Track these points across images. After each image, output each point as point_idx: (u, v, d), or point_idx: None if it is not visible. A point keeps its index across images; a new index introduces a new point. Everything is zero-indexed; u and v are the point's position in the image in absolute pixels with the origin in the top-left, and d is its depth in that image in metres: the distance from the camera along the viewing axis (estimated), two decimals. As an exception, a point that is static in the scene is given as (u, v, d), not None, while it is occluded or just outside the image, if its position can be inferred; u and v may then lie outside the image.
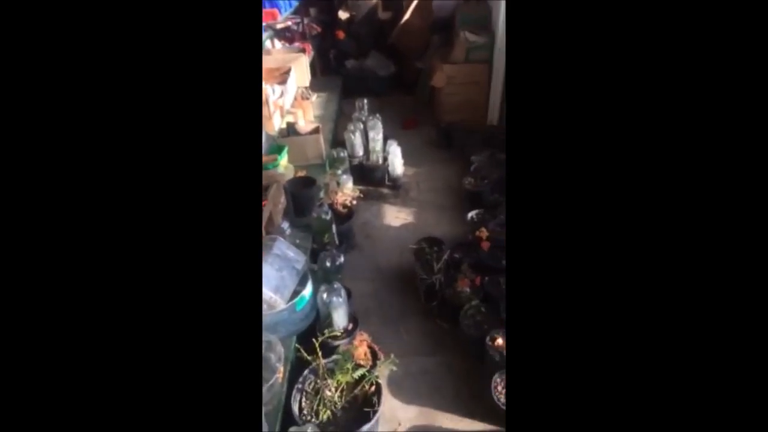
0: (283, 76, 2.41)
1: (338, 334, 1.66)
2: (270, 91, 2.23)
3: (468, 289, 1.90)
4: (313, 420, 1.41)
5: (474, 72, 3.20)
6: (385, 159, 2.84)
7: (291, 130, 2.50)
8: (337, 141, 3.05)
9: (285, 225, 2.01)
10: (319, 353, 1.42)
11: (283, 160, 2.20)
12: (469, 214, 2.35)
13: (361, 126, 2.85)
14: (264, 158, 1.91)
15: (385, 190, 2.84)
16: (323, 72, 3.97)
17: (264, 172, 1.89)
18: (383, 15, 4.39)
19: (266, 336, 1.52)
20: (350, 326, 1.74)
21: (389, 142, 2.85)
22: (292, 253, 1.62)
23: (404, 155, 2.88)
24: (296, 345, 1.48)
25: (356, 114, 2.95)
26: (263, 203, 1.69)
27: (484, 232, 2.03)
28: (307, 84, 2.89)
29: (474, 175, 2.66)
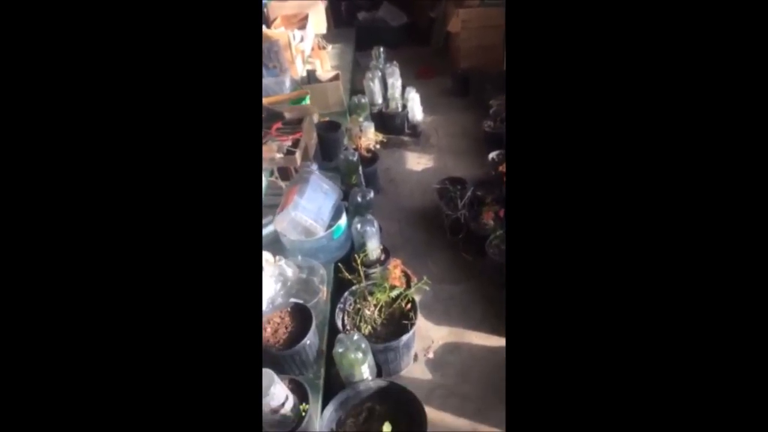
0: (301, 22, 2.41)
1: (376, 258, 1.78)
2: (291, 36, 2.24)
3: (492, 222, 1.99)
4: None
5: (491, 15, 3.13)
6: (404, 106, 2.86)
7: (312, 77, 2.53)
8: (355, 91, 3.07)
9: (314, 167, 2.09)
10: (362, 271, 1.53)
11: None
12: (491, 155, 2.40)
13: (379, 74, 2.86)
14: (294, 93, 1.97)
15: (405, 138, 2.88)
16: (335, 24, 3.91)
17: (296, 107, 1.94)
18: (394, -37, 4.26)
19: (308, 261, 1.63)
20: (383, 256, 1.84)
21: (407, 89, 2.86)
22: (327, 185, 1.70)
23: (422, 104, 2.90)
24: (338, 264, 1.59)
25: (374, 62, 2.95)
26: (299, 135, 1.76)
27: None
28: (324, 31, 2.88)
29: (493, 118, 2.68)
